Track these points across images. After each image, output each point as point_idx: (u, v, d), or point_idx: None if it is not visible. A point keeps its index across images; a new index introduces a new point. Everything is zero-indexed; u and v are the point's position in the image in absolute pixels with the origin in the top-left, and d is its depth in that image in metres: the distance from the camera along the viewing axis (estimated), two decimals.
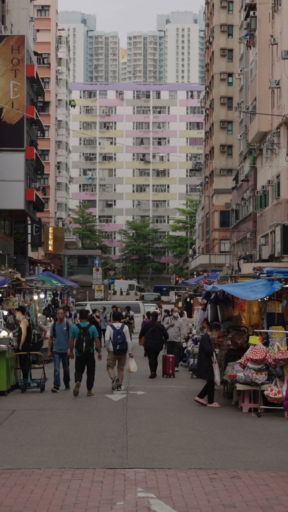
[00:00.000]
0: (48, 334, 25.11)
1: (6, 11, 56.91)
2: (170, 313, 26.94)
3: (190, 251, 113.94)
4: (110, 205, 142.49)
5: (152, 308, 60.58)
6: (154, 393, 19.62)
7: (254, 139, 49.53)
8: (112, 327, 19.74)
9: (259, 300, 17.86)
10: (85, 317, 19.97)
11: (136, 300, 79.14)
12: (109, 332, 19.62)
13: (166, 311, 33.91)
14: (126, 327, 19.86)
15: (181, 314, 28.09)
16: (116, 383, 19.78)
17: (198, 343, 20.21)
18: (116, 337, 19.45)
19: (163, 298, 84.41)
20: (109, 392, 19.64)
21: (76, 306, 43.00)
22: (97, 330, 20.50)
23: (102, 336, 30.24)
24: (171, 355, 24.38)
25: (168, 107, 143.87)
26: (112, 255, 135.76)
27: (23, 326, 20.44)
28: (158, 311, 60.67)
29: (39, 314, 28.21)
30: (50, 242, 73.69)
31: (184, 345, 26.59)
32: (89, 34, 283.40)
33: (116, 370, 20.21)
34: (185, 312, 31.43)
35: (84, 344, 18.95)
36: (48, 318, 31.35)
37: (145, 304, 64.39)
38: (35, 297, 28.83)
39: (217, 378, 17.53)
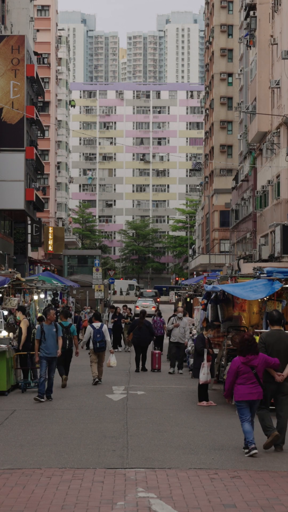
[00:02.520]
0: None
1: (6, 11, 56.91)
2: (174, 313, 26.76)
3: (190, 251, 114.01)
4: (110, 205, 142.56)
5: (148, 302, 67.09)
6: (154, 393, 19.63)
7: (254, 139, 49.55)
8: (92, 326, 21.31)
9: (259, 300, 17.86)
10: (67, 317, 21.67)
11: (136, 296, 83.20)
12: (89, 331, 21.28)
13: (157, 311, 33.25)
14: (105, 327, 21.45)
15: (184, 314, 27.92)
16: (95, 377, 21.28)
17: None
18: (95, 336, 21.05)
19: (163, 298, 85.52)
20: (109, 392, 19.65)
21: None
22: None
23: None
24: (157, 351, 25.97)
25: (168, 107, 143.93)
26: (112, 255, 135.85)
27: (23, 326, 20.47)
28: (154, 304, 65.74)
29: (39, 314, 28.20)
30: (50, 242, 73.69)
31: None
32: (89, 34, 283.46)
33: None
34: (186, 313, 31.31)
35: (67, 342, 20.61)
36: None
37: (143, 299, 70.17)
38: (35, 297, 28.83)
39: (201, 378, 17.67)
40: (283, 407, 12.57)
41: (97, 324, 21.40)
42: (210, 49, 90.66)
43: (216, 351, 19.58)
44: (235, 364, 12.26)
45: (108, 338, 21.41)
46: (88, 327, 21.56)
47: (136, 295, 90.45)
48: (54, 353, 18.34)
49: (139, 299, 72.09)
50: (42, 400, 17.73)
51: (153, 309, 60.85)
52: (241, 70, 69.16)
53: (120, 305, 38.65)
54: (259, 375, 12.24)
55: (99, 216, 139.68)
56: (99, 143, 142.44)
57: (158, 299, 76.74)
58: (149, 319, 28.94)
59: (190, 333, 26.97)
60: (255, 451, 11.94)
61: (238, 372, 12.22)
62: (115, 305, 48.67)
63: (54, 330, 18.49)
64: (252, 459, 11.90)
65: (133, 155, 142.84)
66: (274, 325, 13.00)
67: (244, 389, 12.19)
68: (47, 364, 18.25)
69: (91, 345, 21.23)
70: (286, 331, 13.21)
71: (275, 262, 35.67)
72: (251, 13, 48.88)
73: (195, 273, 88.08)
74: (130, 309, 36.18)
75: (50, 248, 73.86)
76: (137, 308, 63.34)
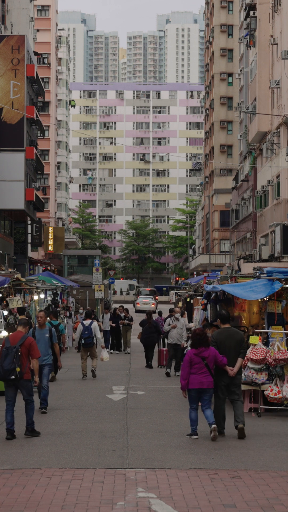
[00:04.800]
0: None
1: (6, 11, 56.92)
2: (170, 314, 26.54)
3: (190, 251, 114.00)
4: (110, 205, 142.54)
5: (148, 299, 72.85)
6: (154, 393, 19.63)
7: (254, 139, 49.55)
8: (82, 324, 22.88)
9: (259, 300, 17.85)
10: (56, 317, 23.03)
11: (133, 295, 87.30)
12: (79, 329, 22.89)
13: (149, 313, 32.11)
14: (94, 324, 22.79)
15: (181, 315, 27.77)
16: (84, 374, 22.77)
17: None
18: (84, 332, 22.61)
19: (164, 298, 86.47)
20: (109, 392, 19.66)
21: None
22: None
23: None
24: (165, 349, 27.21)
25: (168, 107, 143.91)
26: (112, 255, 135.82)
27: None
28: (154, 301, 70.19)
29: None
30: (50, 242, 73.71)
31: (185, 345, 26.36)
32: (89, 34, 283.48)
33: (89, 363, 23.62)
34: (185, 312, 31.20)
35: (61, 338, 22.60)
36: (48, 318, 31.30)
37: (143, 297, 75.88)
38: (35, 297, 28.85)
39: None
40: (238, 394, 13.95)
41: (87, 322, 22.79)
42: (210, 49, 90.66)
43: None
44: (188, 356, 13.56)
45: (98, 334, 22.87)
46: (79, 325, 23.16)
47: (134, 294, 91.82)
48: (46, 359, 16.56)
49: (140, 296, 77.14)
50: (46, 411, 16.29)
51: (153, 305, 69.22)
52: (241, 70, 69.17)
53: (123, 305, 38.37)
54: (210, 366, 13.45)
55: (99, 216, 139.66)
56: (99, 143, 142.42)
57: (156, 297, 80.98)
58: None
59: (190, 333, 26.90)
60: (195, 437, 13.40)
61: (191, 363, 13.42)
62: (116, 305, 48.66)
63: (47, 335, 16.85)
64: (252, 459, 11.92)
65: (133, 155, 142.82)
66: (224, 324, 14.31)
67: (195, 378, 13.38)
68: (40, 372, 16.12)
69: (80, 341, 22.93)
70: (235, 329, 14.61)
71: (275, 262, 35.66)
72: (251, 13, 48.88)
73: (195, 273, 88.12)
74: (127, 310, 35.29)
75: (50, 248, 73.87)
76: (137, 305, 71.10)
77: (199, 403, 13.64)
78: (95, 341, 22.77)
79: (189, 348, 24.81)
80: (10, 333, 14.42)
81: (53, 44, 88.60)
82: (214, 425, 13.25)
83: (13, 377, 13.37)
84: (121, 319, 33.77)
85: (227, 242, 78.86)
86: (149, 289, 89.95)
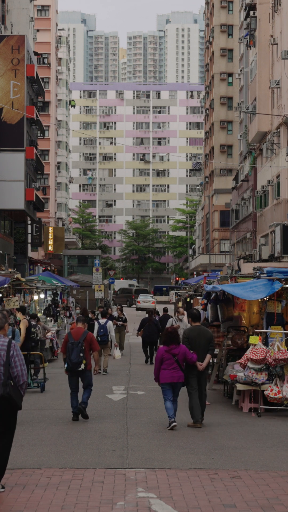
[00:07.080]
0: (51, 333, 25.58)
1: (6, 11, 56.91)
2: (175, 314, 26.35)
3: (190, 251, 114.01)
4: (110, 205, 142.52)
5: (148, 297, 76.02)
6: (154, 393, 19.61)
7: (254, 139, 49.55)
8: (98, 322, 24.29)
9: (259, 300, 17.85)
10: (24, 314, 23.41)
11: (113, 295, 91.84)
12: (96, 327, 24.22)
13: (150, 311, 31.41)
14: (109, 323, 24.28)
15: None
16: (104, 369, 24.03)
17: None
18: (99, 331, 24.02)
19: (163, 298, 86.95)
20: (109, 392, 19.66)
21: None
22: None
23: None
24: None
25: (168, 107, 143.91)
26: (112, 255, 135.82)
27: (22, 326, 20.45)
28: (153, 300, 74.02)
29: (39, 314, 28.22)
30: (50, 242, 73.71)
31: None
32: (89, 34, 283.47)
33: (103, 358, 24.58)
34: (185, 312, 31.09)
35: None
36: (48, 318, 31.41)
37: (143, 296, 78.70)
38: (35, 297, 28.87)
39: None
40: (203, 387, 14.94)
41: (102, 321, 24.34)
42: (210, 49, 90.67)
43: (216, 351, 19.56)
44: (160, 353, 14.54)
45: (113, 333, 24.29)
46: (96, 323, 24.43)
47: (113, 294, 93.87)
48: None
49: (140, 295, 79.64)
50: None
51: (153, 304, 71.73)
52: (241, 70, 69.18)
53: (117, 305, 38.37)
54: (180, 362, 14.43)
55: (99, 216, 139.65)
56: (99, 143, 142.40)
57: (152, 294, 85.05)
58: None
59: None
60: (174, 423, 14.22)
61: (162, 359, 14.41)
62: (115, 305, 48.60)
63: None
64: (252, 459, 11.92)
65: (133, 155, 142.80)
66: (195, 322, 15.23)
67: (166, 373, 14.40)
68: None
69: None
70: (205, 327, 15.55)
71: (275, 262, 35.67)
72: (251, 13, 48.90)
73: (195, 273, 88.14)
74: (121, 309, 34.45)
75: (50, 248, 73.87)
76: (138, 303, 73.32)
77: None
78: (109, 339, 24.26)
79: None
80: (71, 329, 15.81)
81: (53, 44, 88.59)
82: (172, 419, 14.21)
83: (80, 369, 15.21)
84: (114, 318, 33.31)
85: (227, 242, 78.87)
86: (143, 288, 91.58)
